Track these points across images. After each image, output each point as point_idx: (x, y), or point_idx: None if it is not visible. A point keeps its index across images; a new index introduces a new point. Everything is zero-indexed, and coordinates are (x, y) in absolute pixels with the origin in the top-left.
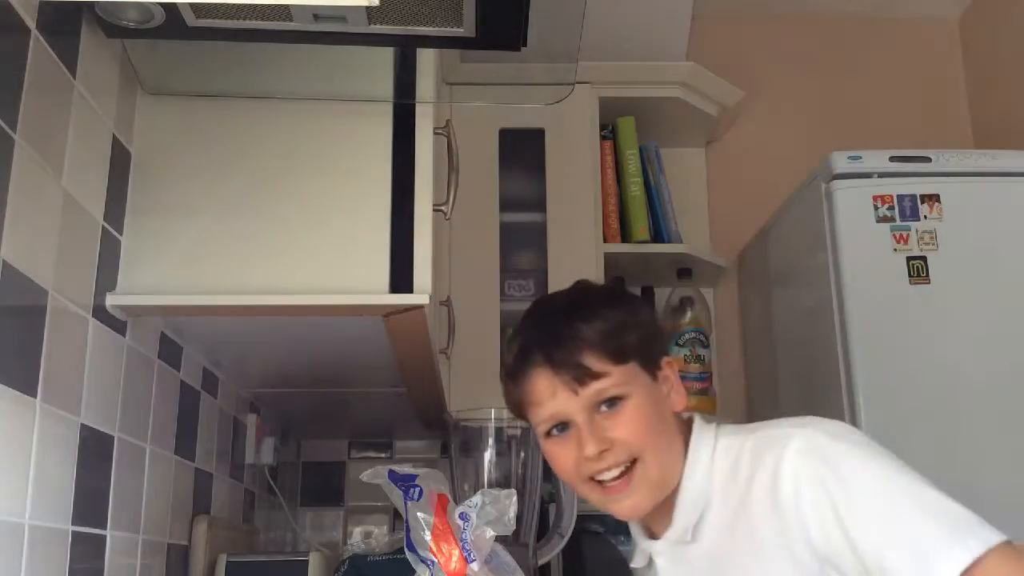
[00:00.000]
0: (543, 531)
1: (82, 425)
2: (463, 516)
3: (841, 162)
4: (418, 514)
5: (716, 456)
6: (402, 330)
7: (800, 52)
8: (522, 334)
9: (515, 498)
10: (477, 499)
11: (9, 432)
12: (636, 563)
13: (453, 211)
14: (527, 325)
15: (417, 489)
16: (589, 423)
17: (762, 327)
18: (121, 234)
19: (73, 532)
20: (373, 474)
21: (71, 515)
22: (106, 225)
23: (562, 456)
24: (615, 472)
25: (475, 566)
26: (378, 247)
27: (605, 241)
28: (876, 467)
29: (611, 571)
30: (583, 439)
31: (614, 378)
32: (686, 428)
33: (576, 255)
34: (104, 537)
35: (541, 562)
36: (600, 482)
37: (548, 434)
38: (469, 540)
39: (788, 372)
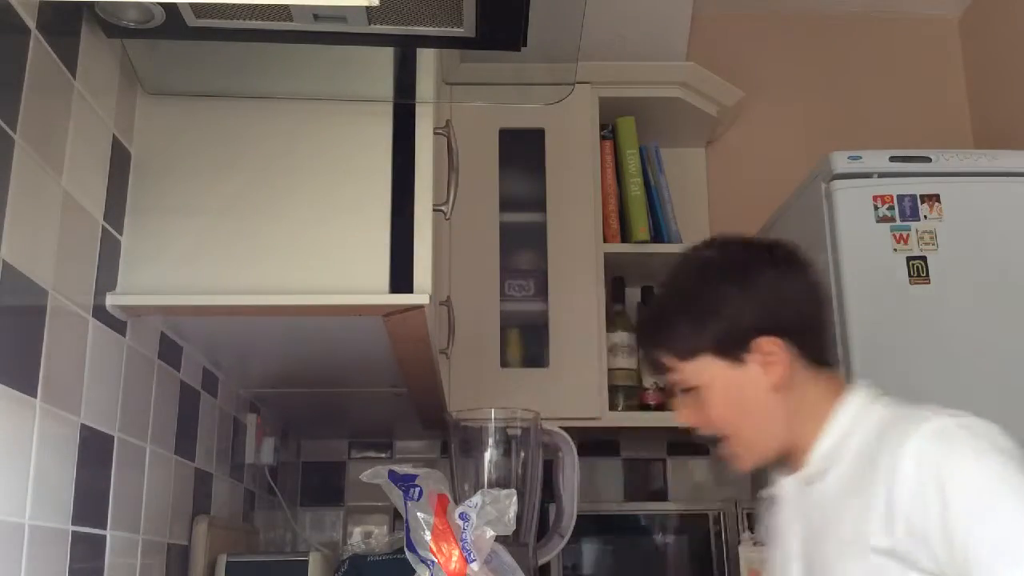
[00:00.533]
0: (543, 531)
1: (82, 425)
2: (463, 516)
3: (841, 162)
4: (418, 514)
5: (861, 422)
6: (402, 330)
7: (800, 52)
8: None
9: (515, 498)
10: (477, 499)
11: (9, 432)
12: (768, 492)
13: (453, 211)
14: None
15: (417, 489)
16: (682, 398)
17: None
18: (121, 234)
19: (73, 532)
20: (373, 474)
21: (71, 515)
22: (106, 225)
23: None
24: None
25: (475, 566)
26: (378, 247)
27: (605, 241)
28: (994, 466)
29: None
30: (677, 409)
31: (682, 373)
32: (823, 391)
33: (576, 255)
34: (104, 537)
35: (541, 562)
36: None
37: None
38: (469, 540)
39: None
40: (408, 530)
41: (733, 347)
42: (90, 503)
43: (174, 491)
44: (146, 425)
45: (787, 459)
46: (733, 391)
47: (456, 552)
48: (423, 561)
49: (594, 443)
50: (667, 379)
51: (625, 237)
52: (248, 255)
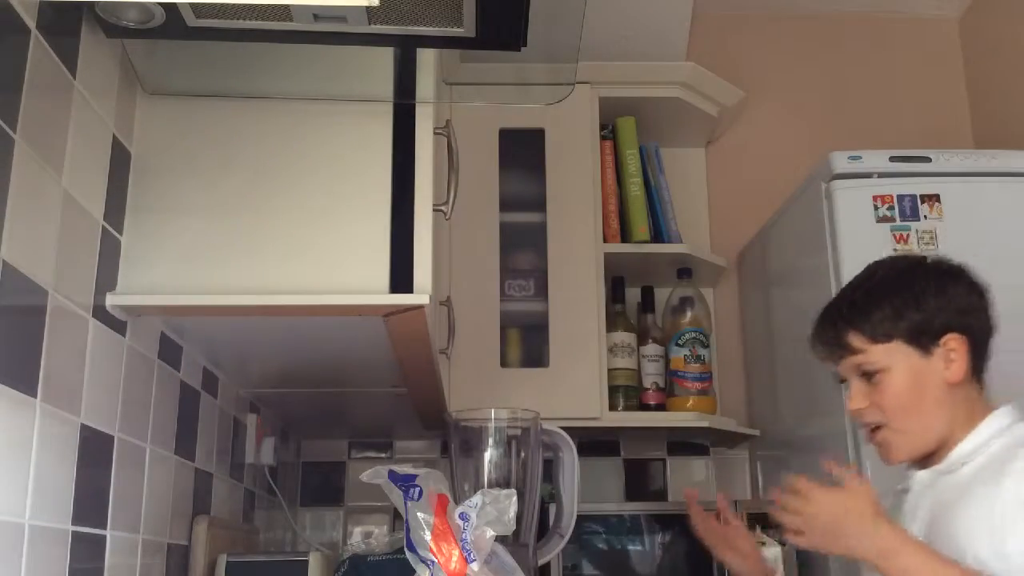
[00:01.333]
0: (543, 531)
1: (82, 425)
2: (463, 516)
3: (841, 162)
4: (418, 514)
5: (1007, 432)
6: (402, 330)
7: (800, 52)
8: (818, 314)
9: (515, 498)
10: (477, 499)
11: (9, 432)
12: (900, 485)
13: (453, 211)
14: (832, 300)
15: (417, 489)
16: (855, 384)
17: (762, 327)
18: (121, 234)
19: (73, 532)
20: (373, 474)
21: (71, 515)
22: (106, 225)
23: (846, 403)
24: (871, 426)
25: (475, 566)
26: (378, 247)
27: (605, 241)
28: None
29: None
30: (850, 396)
31: (870, 355)
32: (975, 403)
33: (576, 255)
34: (104, 537)
35: (541, 562)
36: (867, 432)
37: (840, 382)
38: (469, 540)
39: (788, 372)
40: (408, 530)
41: (925, 337)
42: (90, 503)
43: (174, 491)
44: (146, 425)
45: (927, 458)
46: (915, 378)
47: (456, 552)
48: (423, 561)
49: (594, 443)
50: (846, 363)
51: (625, 237)
52: (248, 255)
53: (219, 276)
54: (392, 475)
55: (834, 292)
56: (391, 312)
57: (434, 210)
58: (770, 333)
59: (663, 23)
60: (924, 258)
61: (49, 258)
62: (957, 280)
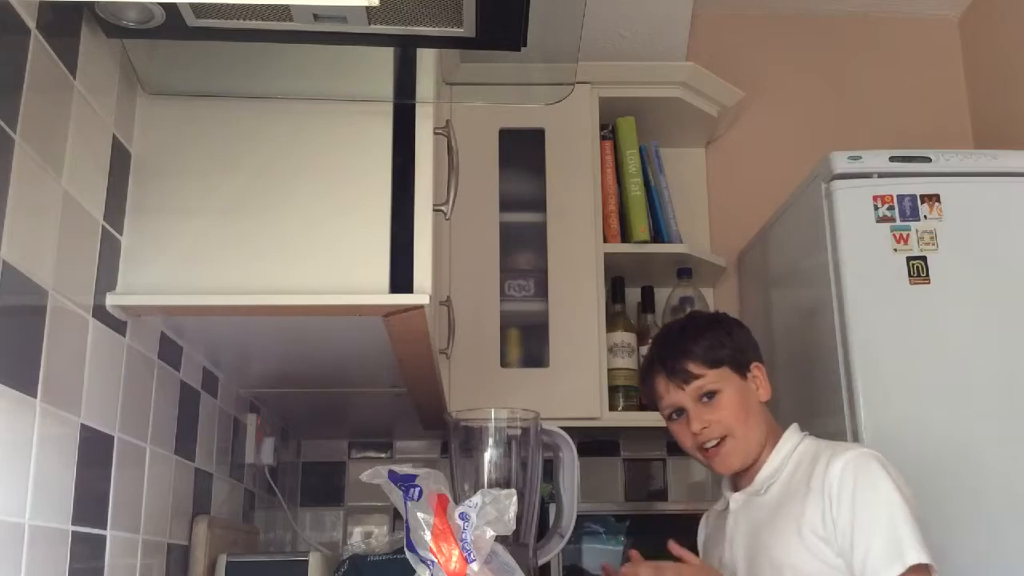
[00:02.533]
0: (543, 531)
1: (82, 425)
2: (463, 516)
3: (841, 162)
4: (418, 514)
5: (797, 449)
6: (402, 330)
7: (800, 52)
8: (652, 350)
9: (515, 498)
10: (477, 499)
11: (9, 432)
12: (718, 507)
13: (453, 211)
14: (656, 344)
15: (417, 489)
16: (695, 409)
17: (762, 327)
18: (121, 234)
19: (73, 532)
20: (373, 474)
21: (71, 515)
22: (106, 225)
23: (681, 433)
24: (714, 441)
25: (475, 566)
26: (378, 247)
27: (605, 241)
28: (889, 487)
29: None
30: (692, 420)
31: (709, 378)
32: (774, 423)
33: (576, 255)
34: (104, 537)
35: (541, 562)
36: (705, 449)
37: (670, 418)
38: (469, 540)
39: (788, 372)
40: (408, 530)
41: (741, 364)
42: (90, 503)
43: (174, 491)
44: (146, 425)
45: (742, 473)
46: (740, 399)
47: (456, 552)
48: (423, 561)
49: (594, 443)
50: (688, 389)
51: (625, 237)
52: (248, 255)
53: (219, 276)
54: (392, 475)
55: (834, 292)
56: (391, 312)
57: (434, 210)
58: (770, 333)
59: (663, 23)
60: (716, 312)
61: (49, 258)
62: (742, 325)
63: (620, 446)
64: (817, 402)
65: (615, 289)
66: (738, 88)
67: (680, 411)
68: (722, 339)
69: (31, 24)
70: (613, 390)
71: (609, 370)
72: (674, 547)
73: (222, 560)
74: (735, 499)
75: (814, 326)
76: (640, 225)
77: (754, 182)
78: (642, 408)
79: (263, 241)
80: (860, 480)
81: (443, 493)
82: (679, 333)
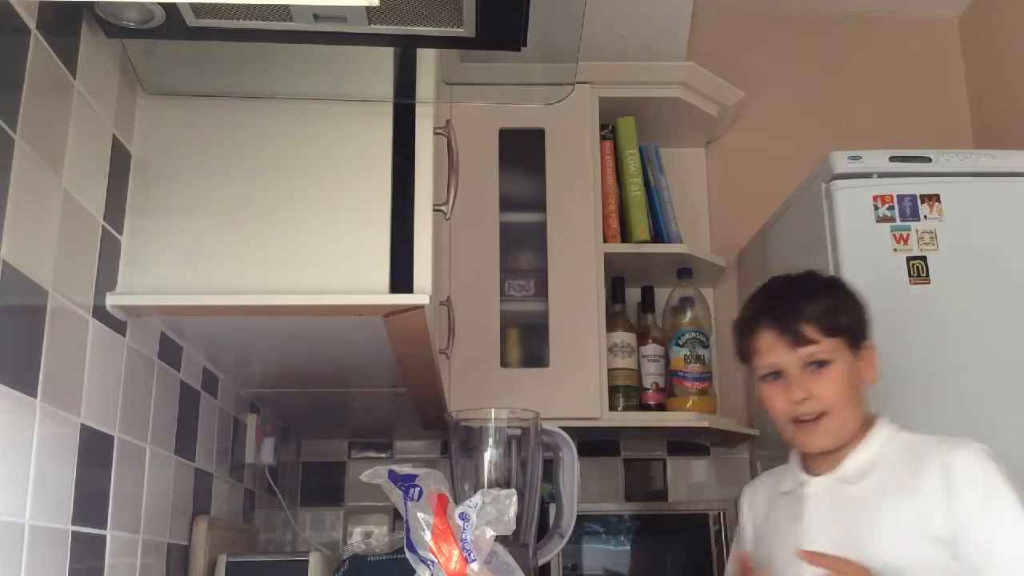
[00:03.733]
0: (543, 531)
1: (82, 425)
2: (463, 516)
3: (841, 162)
4: (418, 514)
5: (893, 440)
6: (402, 330)
7: (800, 52)
8: (760, 299)
9: (515, 498)
10: (477, 499)
11: (9, 432)
12: (782, 488)
13: (453, 211)
14: (766, 294)
15: (417, 489)
16: (799, 376)
17: None
18: (121, 234)
19: (73, 532)
20: (373, 474)
21: (71, 515)
22: (106, 225)
23: (774, 396)
24: (811, 415)
25: (475, 566)
26: (378, 247)
27: (605, 241)
28: (1013, 492)
29: None
30: (791, 386)
31: (824, 347)
32: (865, 413)
33: (576, 255)
34: (104, 537)
35: (541, 562)
36: (798, 421)
37: (764, 377)
38: (469, 540)
39: None
40: (408, 530)
41: (856, 340)
42: (90, 503)
43: (174, 491)
44: (146, 425)
45: (821, 455)
46: (848, 375)
47: (456, 552)
48: (423, 561)
49: (594, 443)
50: (798, 354)
51: (625, 237)
52: (248, 255)
53: (219, 276)
54: (392, 475)
55: None
56: (391, 312)
57: (434, 210)
58: None
59: (663, 23)
60: (834, 276)
61: (49, 258)
62: (861, 297)
63: (620, 446)
64: None
65: (615, 289)
66: (738, 88)
67: (777, 373)
68: (843, 306)
69: (31, 24)
70: (613, 390)
71: (609, 370)
72: (807, 554)
73: (222, 560)
74: (816, 483)
75: None
76: (640, 225)
77: (754, 182)
78: (642, 408)
79: (263, 241)
80: (989, 482)
81: (443, 493)
82: (798, 289)
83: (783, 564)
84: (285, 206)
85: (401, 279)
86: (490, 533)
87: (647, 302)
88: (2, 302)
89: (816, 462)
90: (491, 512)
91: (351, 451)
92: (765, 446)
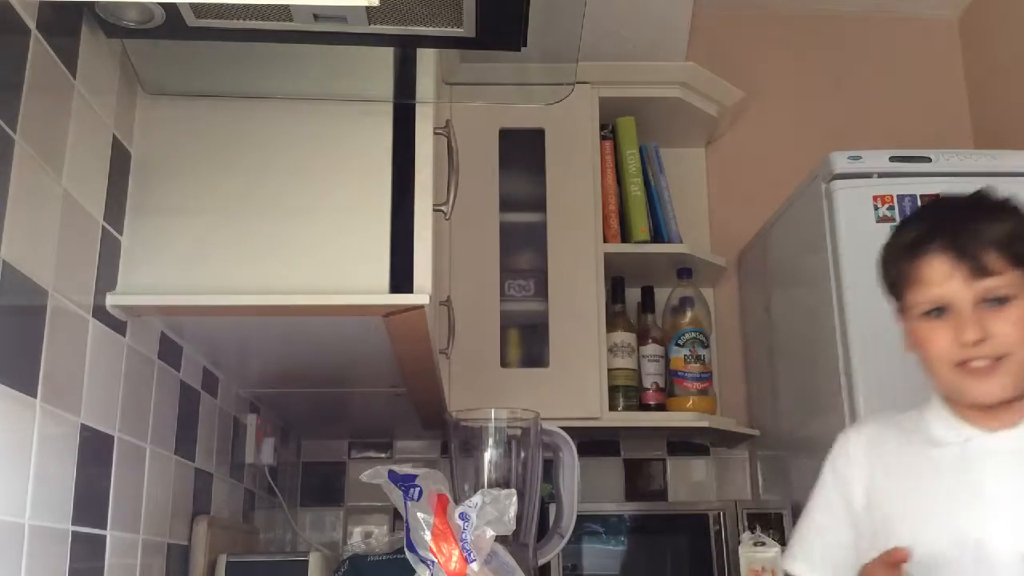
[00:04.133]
0: (543, 531)
1: (82, 425)
2: (463, 516)
3: (841, 162)
4: (418, 514)
5: None
6: (402, 330)
7: (800, 52)
8: (929, 219)
9: (515, 498)
10: (477, 499)
11: (9, 432)
12: (949, 438)
13: (453, 211)
14: (935, 213)
15: (417, 489)
16: (973, 313)
17: (762, 327)
18: (121, 234)
19: (73, 532)
20: (373, 474)
21: (71, 515)
22: (106, 225)
23: (937, 337)
24: (984, 362)
25: (475, 566)
26: (378, 247)
27: (605, 241)
28: None
29: None
30: (963, 325)
31: (1007, 280)
32: None
33: (576, 255)
34: (104, 537)
35: (541, 562)
36: (969, 366)
37: (925, 314)
38: (469, 540)
39: (788, 372)
40: (408, 530)
41: None
42: (90, 503)
43: (174, 491)
44: (146, 425)
45: (986, 408)
46: None
47: (456, 552)
48: (423, 561)
49: (594, 443)
50: (975, 286)
51: (625, 237)
52: (248, 255)
53: (219, 276)
54: (392, 475)
55: (834, 292)
56: (391, 312)
57: (434, 210)
58: (770, 333)
59: (663, 23)
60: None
61: (49, 258)
62: None
63: (620, 446)
64: (816, 400)
65: (615, 289)
66: (738, 88)
67: (942, 309)
68: None
69: (31, 24)
70: (613, 390)
71: (609, 370)
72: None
73: (222, 560)
74: (999, 439)
75: (814, 326)
76: (640, 225)
77: (754, 182)
78: (642, 408)
79: (263, 241)
80: None
81: (443, 493)
82: (977, 209)
83: (940, 536)
84: (285, 206)
85: (401, 279)
86: (490, 533)
87: (647, 302)
88: (2, 302)
89: (977, 416)
90: (491, 512)
91: (351, 451)
92: (765, 446)
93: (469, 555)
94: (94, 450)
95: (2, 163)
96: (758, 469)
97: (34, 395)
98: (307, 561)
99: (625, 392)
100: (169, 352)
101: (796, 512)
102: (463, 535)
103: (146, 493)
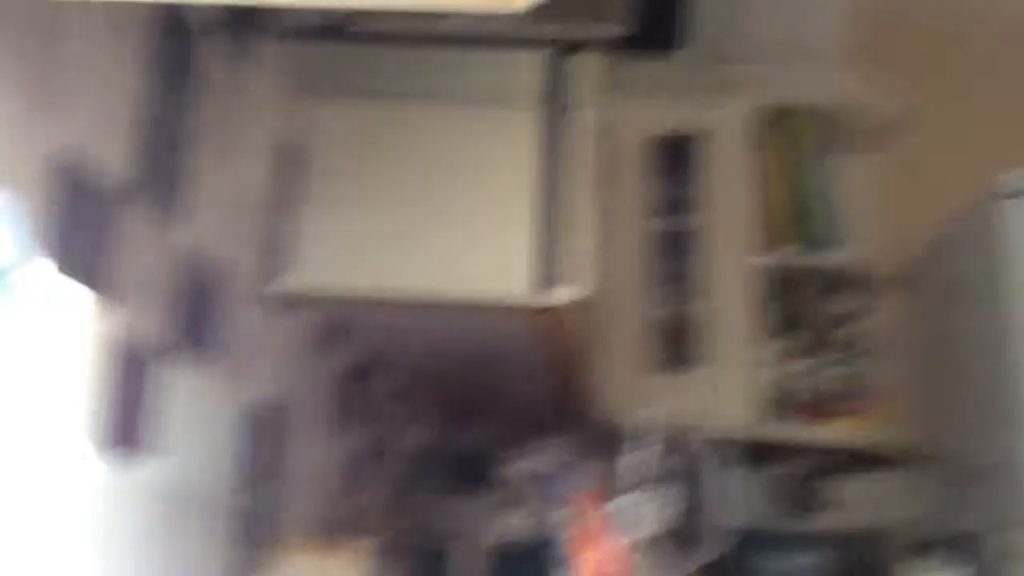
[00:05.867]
0: (690, 538)
1: (253, 401)
2: (613, 514)
3: (1015, 181)
4: (564, 510)
5: None
6: (549, 329)
7: (978, 63)
8: None
9: (662, 501)
10: (624, 500)
11: (195, 407)
12: None
13: (604, 214)
14: None
15: (567, 485)
16: None
17: (931, 344)
18: (293, 225)
19: (238, 504)
20: (520, 468)
21: (239, 487)
22: (279, 216)
23: None
24: None
25: (623, 563)
26: (526, 248)
27: (762, 247)
28: None
29: None
30: None
31: None
32: None
33: (730, 261)
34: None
35: (691, 567)
36: None
37: None
38: (619, 538)
39: (961, 393)
40: (553, 524)
41: None
42: (260, 476)
43: (331, 472)
44: (307, 407)
45: None
46: None
47: (603, 551)
48: (566, 555)
49: (746, 454)
50: None
51: (783, 244)
52: (406, 252)
53: (380, 271)
54: (540, 471)
55: (1007, 312)
56: (539, 312)
57: (585, 212)
58: (940, 350)
59: (826, 28)
60: None
61: (228, 243)
62: None
63: (773, 459)
64: (992, 423)
65: (773, 297)
66: (909, 97)
67: None
68: None
69: (205, 28)
70: (767, 401)
71: (763, 380)
72: None
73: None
74: None
75: (992, 347)
76: (799, 232)
77: (923, 194)
78: (797, 421)
79: (421, 239)
80: None
81: (591, 491)
82: None
83: None
84: (443, 206)
85: (549, 280)
86: (639, 533)
87: (805, 313)
88: (187, 281)
89: None
90: (641, 512)
91: (498, 444)
92: (931, 467)
93: (615, 554)
94: (264, 425)
95: (186, 157)
96: (924, 491)
97: (211, 371)
98: (447, 551)
99: (780, 404)
100: (330, 337)
101: (971, 537)
102: (613, 533)
103: (304, 471)
